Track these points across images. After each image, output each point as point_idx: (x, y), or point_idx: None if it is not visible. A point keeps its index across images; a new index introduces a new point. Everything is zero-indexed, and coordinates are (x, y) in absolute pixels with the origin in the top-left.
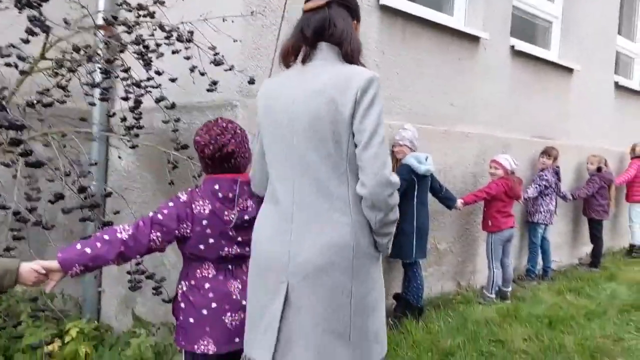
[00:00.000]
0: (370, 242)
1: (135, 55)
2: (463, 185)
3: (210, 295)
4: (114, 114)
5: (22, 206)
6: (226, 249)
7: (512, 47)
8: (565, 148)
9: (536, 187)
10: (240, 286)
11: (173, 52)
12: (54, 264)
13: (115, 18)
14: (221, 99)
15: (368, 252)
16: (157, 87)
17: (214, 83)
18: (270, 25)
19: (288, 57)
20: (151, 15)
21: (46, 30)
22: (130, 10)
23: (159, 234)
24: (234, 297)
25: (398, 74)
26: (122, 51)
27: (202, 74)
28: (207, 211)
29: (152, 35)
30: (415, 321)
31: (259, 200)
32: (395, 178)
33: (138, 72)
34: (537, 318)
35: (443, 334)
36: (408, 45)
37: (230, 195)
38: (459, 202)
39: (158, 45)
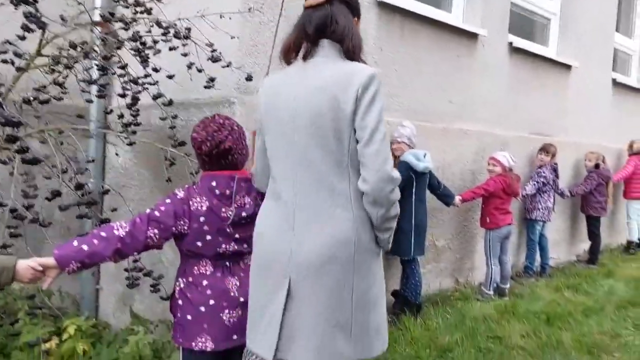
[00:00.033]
0: (372, 237)
1: (132, 52)
2: (461, 182)
3: (208, 292)
4: (111, 111)
5: (19, 203)
6: (224, 245)
7: (511, 44)
8: (563, 145)
9: (534, 184)
10: (238, 283)
11: (170, 49)
12: (50, 260)
13: (112, 14)
14: (219, 96)
15: (369, 247)
16: (154, 84)
17: (212, 80)
18: (268, 22)
19: (289, 53)
20: (148, 11)
21: (42, 26)
22: (127, 7)
23: (156, 230)
24: (232, 294)
25: (396, 70)
26: (119, 48)
27: (200, 71)
28: (204, 208)
29: (149, 31)
30: (414, 318)
31: (258, 197)
32: (397, 174)
33: (135, 68)
34: (534, 314)
35: (441, 331)
36: (406, 42)
37: (228, 192)
38: (457, 199)
39: (155, 42)
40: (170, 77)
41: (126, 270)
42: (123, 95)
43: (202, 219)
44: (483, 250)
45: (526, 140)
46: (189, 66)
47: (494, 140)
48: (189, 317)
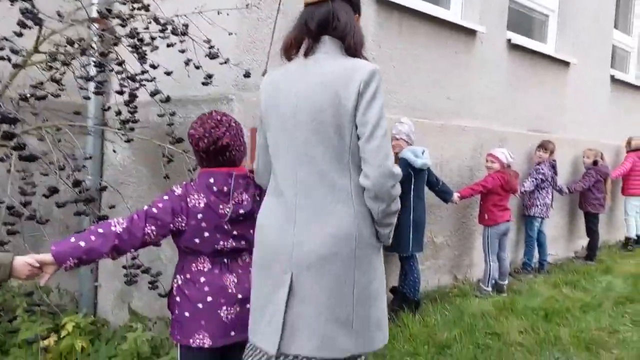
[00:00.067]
0: (372, 232)
1: (130, 49)
2: (459, 178)
3: (206, 289)
4: (109, 107)
5: (17, 200)
6: (221, 242)
7: (509, 40)
8: (561, 142)
9: (533, 181)
10: (235, 280)
11: (168, 46)
12: (47, 257)
13: (109, 11)
14: (217, 93)
15: (370, 242)
16: (151, 81)
17: (209, 76)
18: (265, 19)
19: (290, 50)
20: (146, 8)
21: (39, 22)
22: (124, 3)
23: (153, 227)
24: (230, 290)
25: (394, 67)
26: (116, 44)
27: (197, 68)
28: (202, 205)
29: (147, 28)
30: (412, 314)
31: (257, 193)
32: (398, 169)
33: (133, 65)
34: (533, 311)
35: (439, 327)
36: (404, 39)
37: (225, 189)
38: (456, 195)
39: (153, 38)
40: (168, 73)
41: (124, 267)
42: (121, 92)
43: (199, 215)
44: (481, 246)
45: (524, 137)
46: (187, 63)
47: (492, 136)
48: (186, 313)
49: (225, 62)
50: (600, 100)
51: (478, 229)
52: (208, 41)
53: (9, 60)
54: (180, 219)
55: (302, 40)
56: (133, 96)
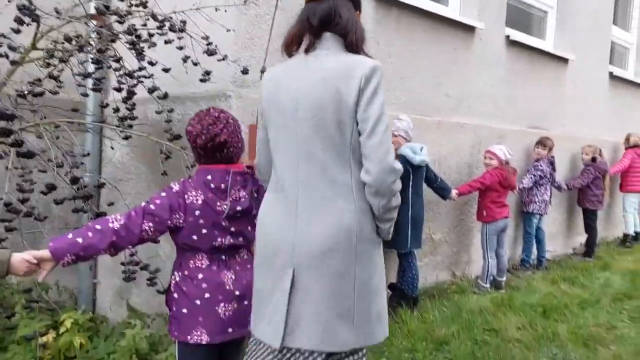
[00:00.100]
0: (373, 227)
1: (128, 46)
2: (458, 175)
3: (204, 285)
4: (107, 104)
5: (15, 197)
6: (219, 239)
7: (508, 37)
8: (560, 138)
9: (531, 178)
10: (233, 276)
11: (166, 42)
12: (45, 253)
13: (107, 7)
14: (215, 90)
15: (371, 237)
16: (149, 77)
17: (207, 73)
18: (263, 15)
19: (291, 45)
20: (143, 4)
21: (36, 19)
22: (122, 0)
23: (151, 224)
24: (227, 287)
25: (393, 64)
26: (114, 41)
27: (195, 64)
28: (199, 201)
29: (145, 25)
30: (410, 311)
31: (254, 190)
32: (399, 165)
33: (131, 62)
34: (531, 307)
35: (438, 323)
36: (402, 36)
37: (223, 186)
38: (454, 192)
39: (150, 35)
40: (166, 70)
41: (123, 264)
42: (119, 89)
43: (197, 212)
44: (480, 243)
45: (523, 133)
46: (185, 59)
47: (491, 133)
48: (184, 310)
49: (224, 59)
50: (599, 96)
51: (476, 225)
52: (206, 38)
53: (7, 57)
54: (177, 216)
55: (302, 36)
56: (131, 93)
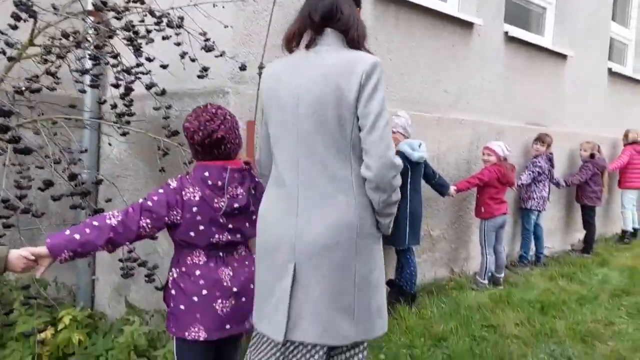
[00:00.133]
0: (373, 222)
1: (125, 42)
2: (456, 171)
3: (201, 282)
4: (105, 101)
5: (12, 194)
6: (217, 236)
7: (506, 33)
8: (558, 135)
9: (529, 174)
10: (231, 273)
11: (163, 38)
12: (42, 249)
13: (104, 3)
14: (213, 86)
15: (371, 232)
16: (147, 74)
17: (205, 69)
18: (261, 11)
19: (292, 41)
20: (141, 0)
21: (33, 15)
22: None
23: (148, 220)
24: (225, 284)
25: (391, 60)
26: (111, 37)
27: (193, 60)
28: (197, 198)
29: (142, 21)
30: (409, 307)
31: (252, 187)
32: (399, 160)
33: (128, 58)
34: (529, 303)
35: (436, 320)
36: (401, 32)
37: (220, 182)
38: (452, 188)
39: (148, 31)
40: (163, 66)
41: (121, 260)
42: (116, 86)
43: (194, 209)
44: (478, 239)
45: (521, 129)
46: (182, 56)
47: (489, 129)
48: (182, 307)
49: (221, 55)
50: (598, 93)
51: (475, 222)
52: (204, 34)
53: (4, 53)
54: (175, 212)
55: (303, 32)
56: (129, 89)
